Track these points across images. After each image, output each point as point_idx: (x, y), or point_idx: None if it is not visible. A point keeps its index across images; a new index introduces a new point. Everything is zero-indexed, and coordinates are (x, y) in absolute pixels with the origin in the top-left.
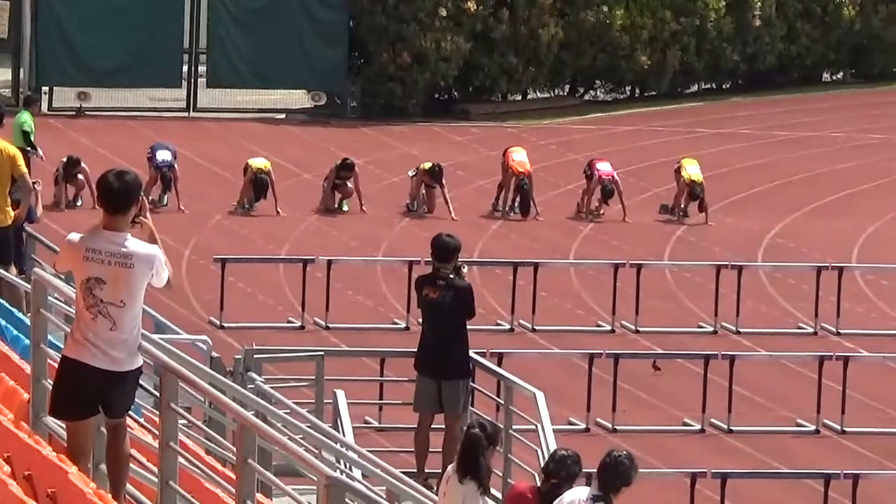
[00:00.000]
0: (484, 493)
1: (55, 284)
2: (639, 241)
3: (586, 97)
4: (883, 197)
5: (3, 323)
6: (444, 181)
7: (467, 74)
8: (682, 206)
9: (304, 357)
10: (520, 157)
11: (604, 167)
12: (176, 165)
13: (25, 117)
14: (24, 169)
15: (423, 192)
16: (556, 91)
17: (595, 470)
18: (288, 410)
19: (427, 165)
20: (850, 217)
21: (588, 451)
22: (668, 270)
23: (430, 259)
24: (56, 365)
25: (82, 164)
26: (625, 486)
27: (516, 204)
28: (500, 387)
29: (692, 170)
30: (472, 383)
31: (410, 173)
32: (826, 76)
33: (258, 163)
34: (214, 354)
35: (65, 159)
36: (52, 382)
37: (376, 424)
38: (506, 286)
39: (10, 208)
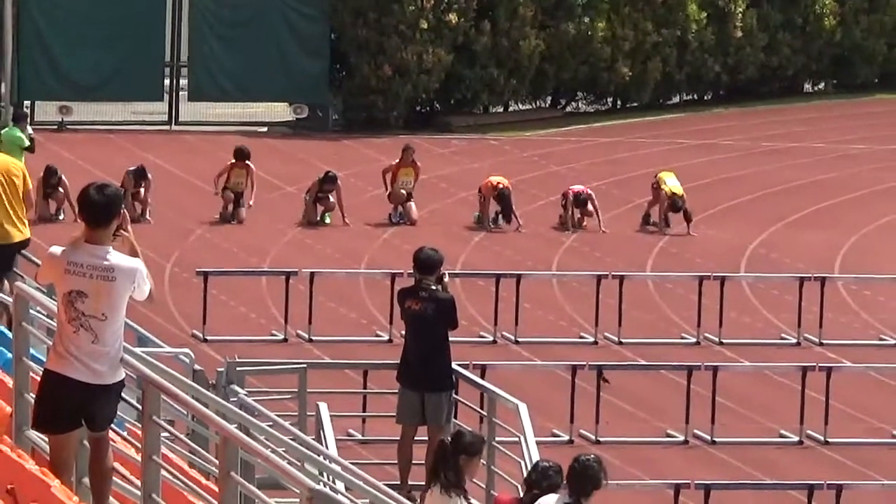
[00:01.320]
0: (460, 494)
1: (37, 298)
2: (621, 252)
3: (568, 109)
4: (865, 207)
5: None
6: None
7: (449, 86)
8: (664, 217)
9: (286, 370)
10: (496, 177)
11: (575, 187)
12: (149, 176)
13: (14, 133)
14: (30, 184)
15: (402, 206)
16: (538, 103)
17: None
18: (271, 423)
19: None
20: (832, 228)
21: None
22: (650, 282)
23: (412, 271)
24: (38, 378)
25: (60, 174)
26: (595, 490)
27: (499, 216)
28: (483, 398)
29: (671, 182)
30: (455, 395)
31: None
32: (808, 87)
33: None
34: (197, 367)
35: (42, 171)
36: (34, 396)
37: (359, 437)
38: (488, 298)
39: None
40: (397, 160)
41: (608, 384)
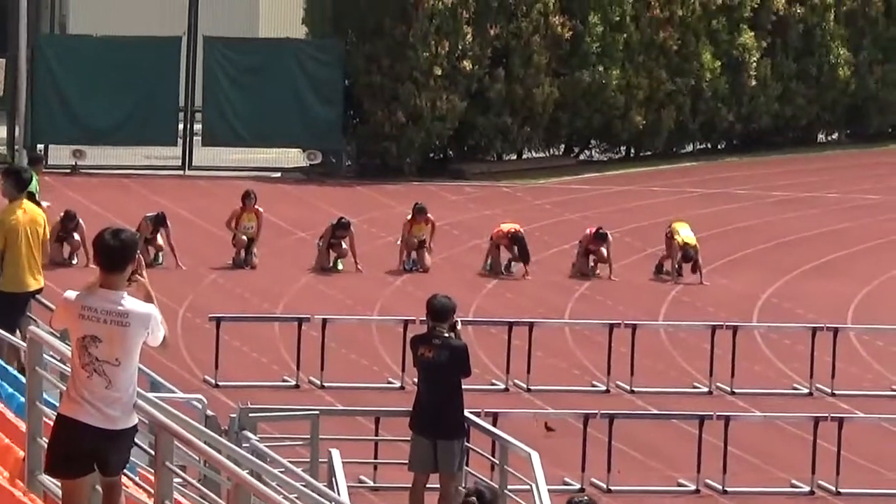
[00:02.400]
0: None
1: (50, 342)
2: (634, 301)
3: (581, 157)
4: (878, 258)
5: None
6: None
7: (462, 133)
8: (677, 267)
9: (298, 416)
10: (507, 224)
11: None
12: (167, 222)
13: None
14: (48, 234)
15: (415, 252)
16: (552, 151)
17: None
18: (283, 469)
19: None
20: (845, 278)
21: None
22: (662, 331)
23: (425, 318)
24: (51, 423)
25: (79, 220)
26: None
27: (511, 263)
28: (495, 446)
29: (685, 233)
30: (466, 443)
31: (398, 241)
32: (821, 137)
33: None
34: (209, 413)
35: (62, 214)
36: (47, 440)
37: (371, 484)
38: (501, 345)
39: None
40: (409, 218)
41: (553, 431)
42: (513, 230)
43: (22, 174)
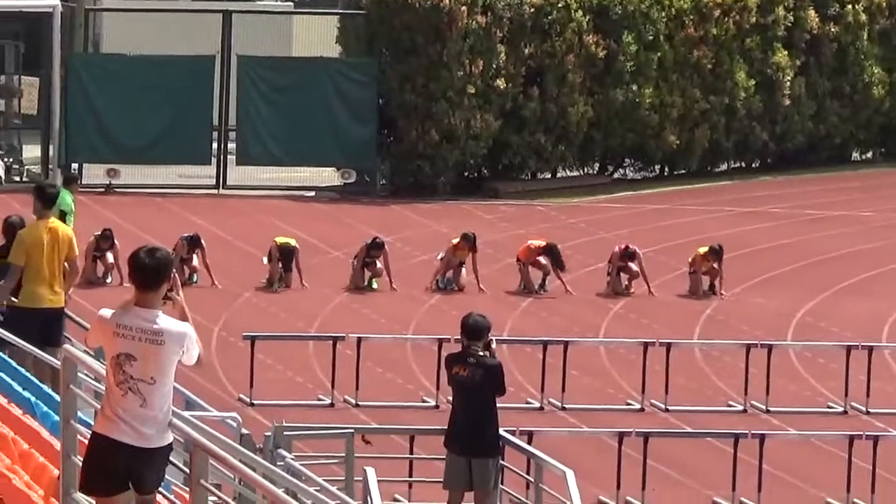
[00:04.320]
0: None
1: (85, 361)
2: (668, 319)
3: (616, 175)
4: None
5: (34, 399)
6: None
7: (496, 152)
8: (709, 286)
9: (333, 434)
10: (535, 241)
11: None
12: (201, 239)
13: (65, 197)
14: (76, 252)
15: (453, 270)
16: (586, 169)
17: None
18: (318, 488)
19: (280, 240)
20: (880, 296)
21: None
22: (697, 349)
23: (459, 337)
24: (86, 441)
25: (114, 240)
26: None
27: (546, 281)
28: (530, 465)
29: (701, 249)
30: (502, 461)
31: (439, 256)
32: (855, 155)
33: (283, 239)
34: (244, 431)
35: (98, 233)
36: (82, 459)
37: (406, 502)
38: (536, 364)
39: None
40: (456, 241)
41: (370, 445)
42: (544, 244)
43: (47, 189)
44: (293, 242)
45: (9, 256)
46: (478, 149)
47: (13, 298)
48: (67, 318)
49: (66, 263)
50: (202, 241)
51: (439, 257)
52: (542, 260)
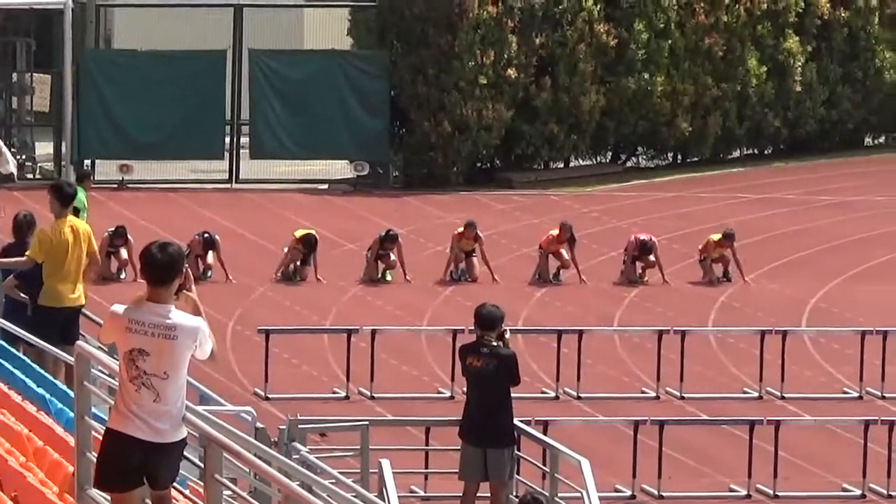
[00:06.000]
0: None
1: (98, 357)
2: (682, 307)
3: (628, 164)
4: None
5: (48, 396)
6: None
7: (509, 142)
8: (723, 273)
9: (348, 427)
10: (555, 231)
11: (641, 235)
12: (217, 238)
13: (78, 194)
14: (95, 246)
15: (464, 261)
16: (598, 158)
17: None
18: (333, 481)
19: (300, 233)
20: (894, 281)
21: None
22: (712, 336)
23: (473, 328)
24: (100, 437)
25: (128, 236)
26: None
27: (560, 272)
28: (546, 454)
29: (714, 236)
30: (517, 451)
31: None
32: (868, 140)
33: (302, 231)
34: (259, 425)
35: (111, 229)
36: (96, 455)
37: (422, 494)
38: (550, 354)
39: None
40: (461, 230)
41: (325, 437)
42: (560, 234)
43: (65, 188)
44: (314, 233)
45: (29, 251)
46: (490, 139)
47: (21, 294)
48: (82, 315)
49: (86, 257)
50: (218, 242)
51: (448, 251)
52: (564, 253)
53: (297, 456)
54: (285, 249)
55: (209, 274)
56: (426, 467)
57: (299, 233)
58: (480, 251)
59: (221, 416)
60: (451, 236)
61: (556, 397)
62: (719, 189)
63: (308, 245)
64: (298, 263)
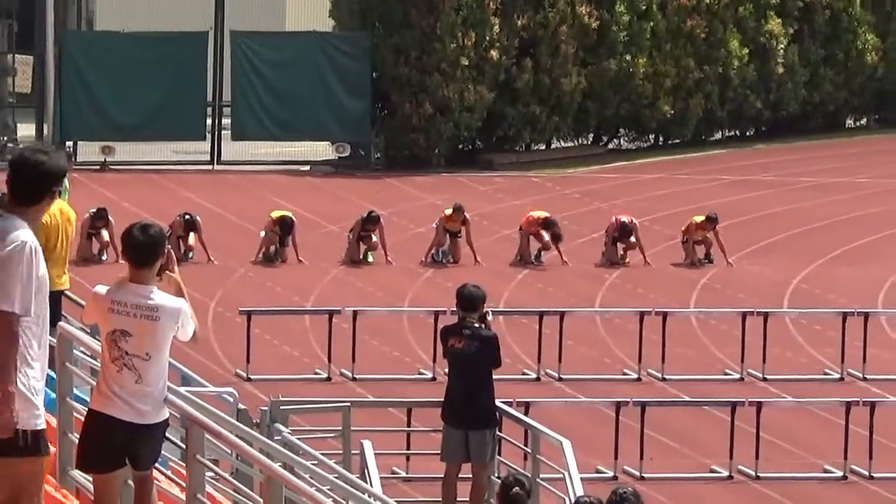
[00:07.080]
0: None
1: (80, 338)
2: (664, 288)
3: (610, 146)
4: None
5: None
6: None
7: (491, 124)
8: (705, 255)
9: (330, 408)
10: (537, 212)
11: (622, 217)
12: (198, 220)
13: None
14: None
15: (448, 241)
16: (580, 140)
17: None
18: (315, 462)
19: (276, 214)
20: (875, 263)
21: None
22: (693, 318)
23: (455, 309)
24: (82, 418)
25: (108, 218)
26: None
27: (541, 252)
28: (528, 436)
29: (696, 218)
30: (498, 432)
31: (434, 224)
32: (849, 122)
33: (279, 212)
34: (241, 406)
35: (93, 210)
36: (78, 436)
37: (404, 475)
38: (532, 335)
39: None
40: (449, 213)
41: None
42: (544, 216)
43: None
44: (290, 215)
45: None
46: (472, 121)
47: None
48: (65, 296)
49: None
50: (199, 224)
51: (434, 225)
52: (544, 234)
53: (278, 437)
54: (262, 233)
55: (190, 255)
56: (408, 448)
57: (275, 214)
58: (466, 233)
59: (203, 398)
60: (438, 219)
61: (538, 378)
62: (701, 171)
63: (284, 227)
64: (277, 245)
